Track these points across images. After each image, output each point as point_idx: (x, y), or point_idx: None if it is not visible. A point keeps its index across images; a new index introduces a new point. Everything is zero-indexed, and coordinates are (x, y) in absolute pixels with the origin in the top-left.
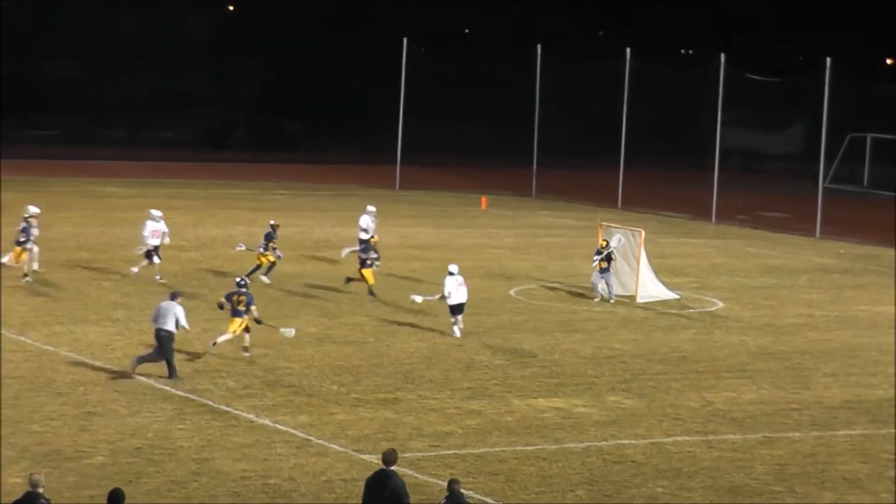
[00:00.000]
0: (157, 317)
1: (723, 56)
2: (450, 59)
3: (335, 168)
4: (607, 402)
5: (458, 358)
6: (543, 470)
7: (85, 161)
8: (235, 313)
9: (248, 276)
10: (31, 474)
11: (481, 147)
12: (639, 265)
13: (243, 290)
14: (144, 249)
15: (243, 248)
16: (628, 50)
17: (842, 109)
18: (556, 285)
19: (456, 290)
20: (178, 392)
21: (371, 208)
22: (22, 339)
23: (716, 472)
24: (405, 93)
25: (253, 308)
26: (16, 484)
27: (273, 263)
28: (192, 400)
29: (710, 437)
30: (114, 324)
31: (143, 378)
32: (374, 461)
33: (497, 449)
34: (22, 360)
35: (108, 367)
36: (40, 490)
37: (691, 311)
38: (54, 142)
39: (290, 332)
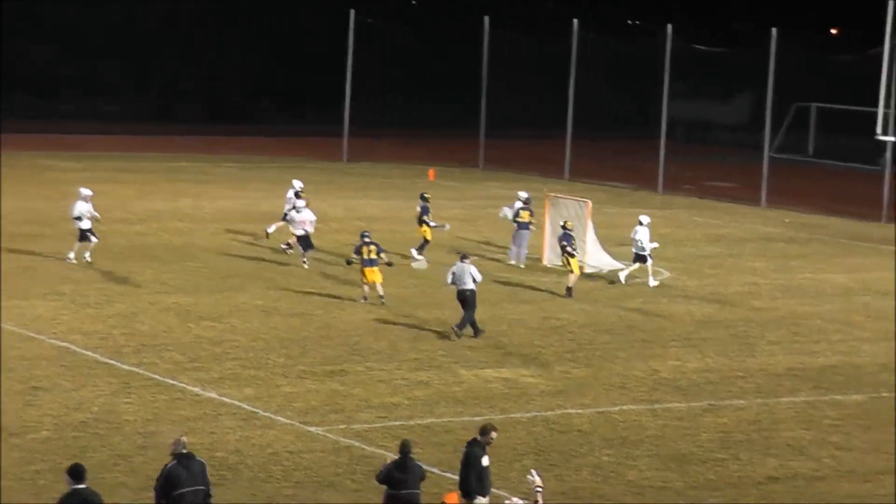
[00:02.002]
0: (456, 279)
1: (669, 27)
2: (397, 31)
3: (283, 140)
4: (554, 372)
5: (405, 329)
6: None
7: (33, 135)
8: (369, 263)
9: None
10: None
11: (429, 119)
12: (585, 236)
13: (367, 239)
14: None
15: (448, 227)
16: (575, 21)
17: (788, 79)
18: (503, 256)
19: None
20: (124, 366)
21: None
22: None
23: (661, 440)
24: (353, 64)
25: (383, 255)
26: None
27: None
28: (138, 373)
29: (656, 406)
30: (60, 298)
31: (87, 352)
32: (321, 433)
33: (444, 420)
34: None
35: (53, 341)
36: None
37: (638, 280)
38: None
39: (422, 264)
